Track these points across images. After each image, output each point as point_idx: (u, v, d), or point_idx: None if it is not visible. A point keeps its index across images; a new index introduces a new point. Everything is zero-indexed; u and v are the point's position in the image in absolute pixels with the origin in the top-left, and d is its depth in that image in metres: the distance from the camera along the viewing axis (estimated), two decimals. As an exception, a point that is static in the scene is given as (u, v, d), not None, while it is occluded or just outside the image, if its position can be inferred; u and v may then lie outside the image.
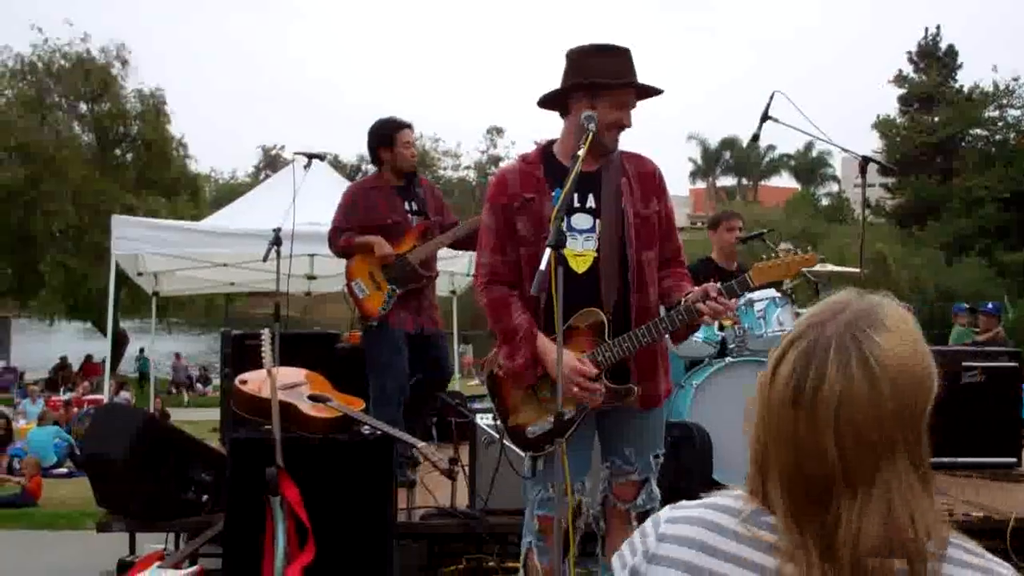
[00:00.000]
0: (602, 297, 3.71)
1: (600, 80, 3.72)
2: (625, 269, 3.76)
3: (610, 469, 3.84)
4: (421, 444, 5.09)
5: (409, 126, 6.54)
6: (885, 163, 7.07)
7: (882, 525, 1.34)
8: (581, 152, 3.57)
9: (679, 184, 66.50)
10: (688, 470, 5.80)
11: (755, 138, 6.87)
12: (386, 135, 6.42)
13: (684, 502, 1.64)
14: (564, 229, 3.62)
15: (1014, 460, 7.41)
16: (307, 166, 6.33)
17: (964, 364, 7.34)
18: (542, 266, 3.24)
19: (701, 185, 68.12)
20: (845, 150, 7.23)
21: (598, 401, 3.66)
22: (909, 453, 1.36)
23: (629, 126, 3.77)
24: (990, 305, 13.80)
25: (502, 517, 5.44)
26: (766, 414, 1.46)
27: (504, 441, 4.10)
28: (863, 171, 6.55)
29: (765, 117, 6.59)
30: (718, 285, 3.64)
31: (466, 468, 5.62)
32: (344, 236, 6.33)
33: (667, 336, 3.80)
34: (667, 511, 1.62)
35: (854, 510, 1.35)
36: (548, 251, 3.28)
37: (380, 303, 6.22)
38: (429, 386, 6.55)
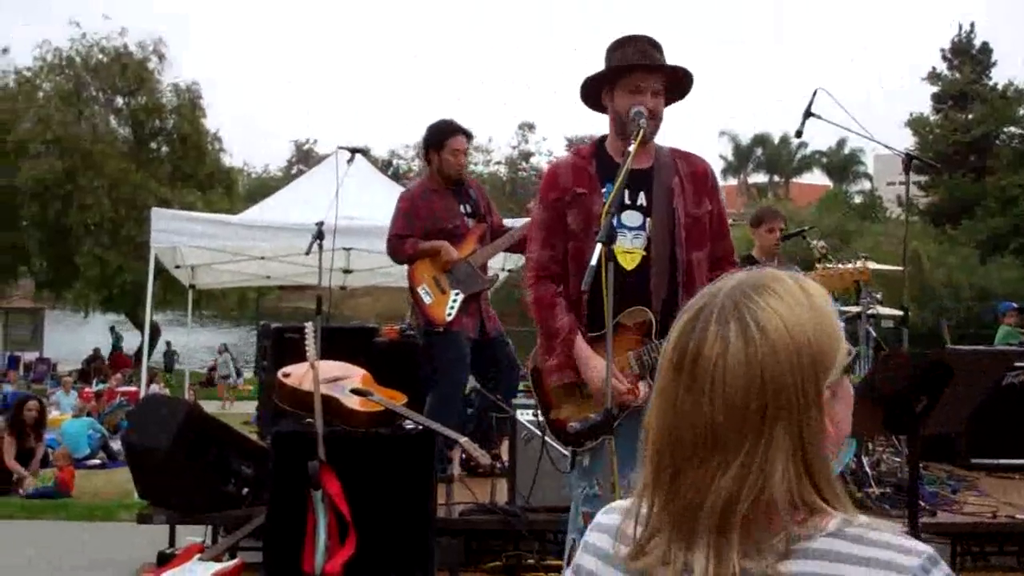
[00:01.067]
0: (651, 296, 3.69)
1: (612, 68, 3.76)
2: (674, 269, 3.74)
3: None
4: (463, 439, 5.08)
5: (464, 133, 6.46)
6: (927, 159, 6.99)
7: (736, 492, 1.28)
8: (632, 148, 3.55)
9: (711, 181, 66.23)
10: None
11: (798, 134, 6.82)
12: (438, 139, 6.37)
13: (612, 504, 1.60)
14: (615, 225, 3.60)
15: (1059, 461, 7.32)
16: (350, 160, 6.33)
17: (1013, 364, 7.26)
18: (593, 261, 3.22)
19: (732, 182, 67.79)
20: (887, 147, 7.20)
21: (641, 399, 3.64)
22: (789, 422, 1.29)
23: (651, 111, 3.70)
24: None
25: (542, 514, 5.42)
26: (657, 382, 1.43)
27: (546, 437, 4.09)
28: (907, 168, 6.49)
29: (808, 114, 6.55)
30: None
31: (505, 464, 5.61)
32: (409, 242, 6.22)
33: None
34: (597, 516, 1.59)
35: (712, 475, 1.30)
36: (599, 246, 3.26)
37: (446, 309, 6.18)
38: (504, 388, 6.44)
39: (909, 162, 6.49)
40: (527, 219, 6.32)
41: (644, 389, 3.65)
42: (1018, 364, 7.26)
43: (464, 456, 6.12)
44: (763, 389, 1.30)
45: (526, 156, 52.61)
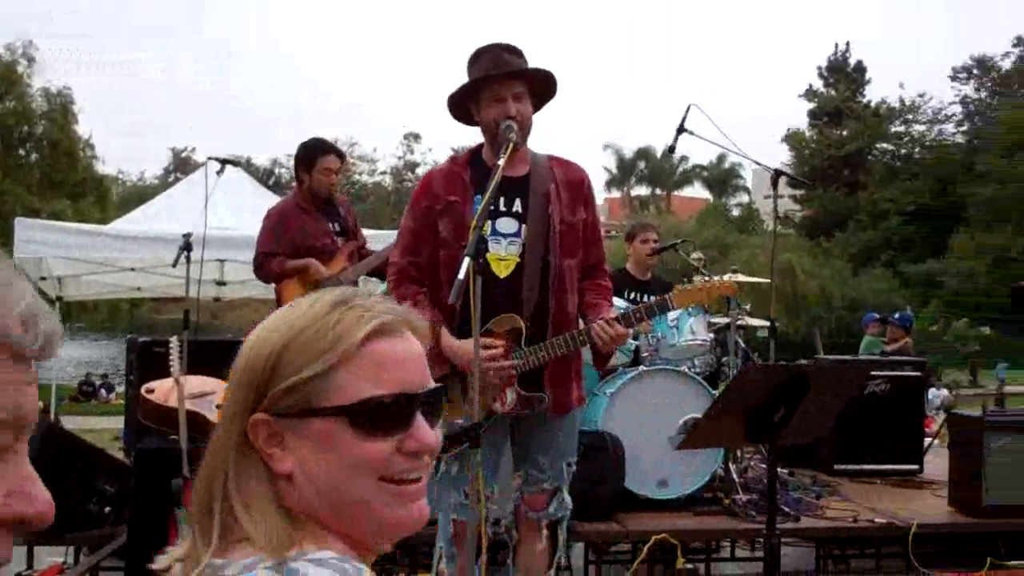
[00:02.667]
0: (522, 303, 3.70)
1: (469, 82, 3.77)
2: (547, 276, 3.75)
3: (523, 479, 3.83)
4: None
5: (336, 153, 6.33)
6: (796, 176, 7.17)
7: (202, 492, 1.27)
8: (501, 162, 3.55)
9: (595, 193, 66.85)
10: (601, 479, 5.82)
11: (671, 150, 6.96)
12: (309, 158, 6.21)
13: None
14: (486, 235, 3.61)
15: (916, 467, 7.56)
16: (220, 172, 6.20)
17: (871, 374, 7.50)
18: (460, 275, 3.22)
19: (616, 194, 68.64)
20: (757, 163, 7.35)
21: (507, 406, 3.65)
22: (228, 435, 1.27)
23: (515, 118, 3.69)
24: (899, 315, 14.07)
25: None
26: None
27: (438, 459, 4.06)
28: (775, 184, 6.65)
29: (681, 129, 6.66)
30: (613, 310, 3.63)
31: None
32: (276, 260, 6.05)
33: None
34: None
35: None
36: (466, 260, 3.26)
37: None
38: None
39: (777, 177, 6.64)
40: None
41: (511, 396, 3.66)
42: (874, 374, 7.50)
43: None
44: (230, 396, 1.29)
45: (412, 166, 52.48)
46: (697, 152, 69.52)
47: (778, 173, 6.57)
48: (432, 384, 1.35)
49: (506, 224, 3.77)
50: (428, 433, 1.31)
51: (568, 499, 3.88)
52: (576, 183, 3.92)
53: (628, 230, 7.67)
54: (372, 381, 1.26)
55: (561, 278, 3.78)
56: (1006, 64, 51.85)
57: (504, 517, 3.94)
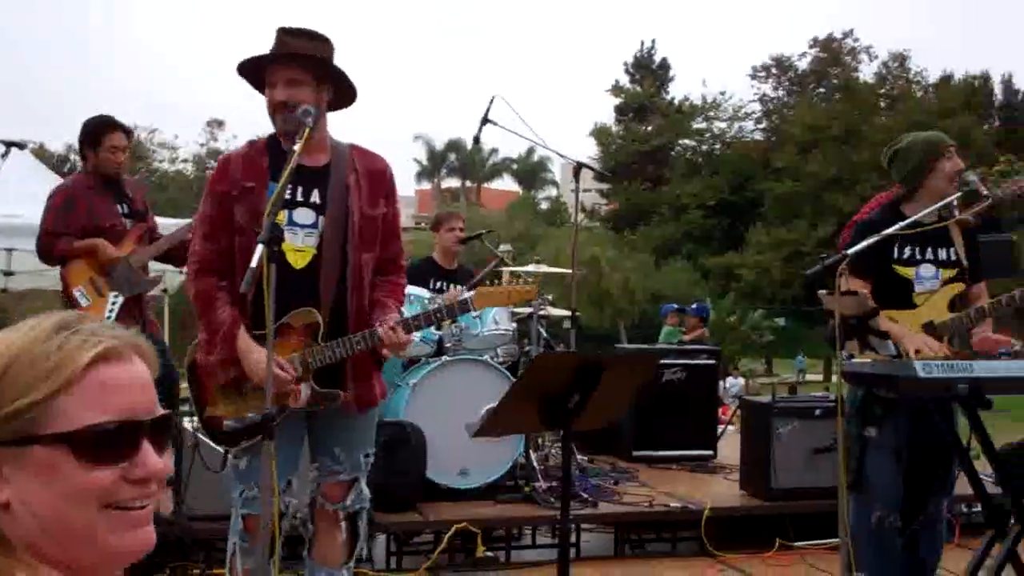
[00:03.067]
0: (320, 296, 3.63)
1: (240, 64, 3.69)
2: (344, 269, 3.68)
3: (319, 470, 3.78)
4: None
5: (122, 129, 6.03)
6: (597, 169, 7.32)
7: None
8: (296, 147, 3.47)
9: (405, 185, 66.62)
10: (402, 469, 5.81)
11: (476, 140, 7.02)
12: (94, 135, 5.90)
13: None
14: (283, 224, 3.53)
15: (711, 453, 7.84)
16: (4, 155, 5.88)
17: (666, 362, 7.73)
18: (253, 263, 3.14)
19: (426, 186, 68.65)
20: (560, 155, 7.47)
21: (301, 401, 3.59)
22: None
23: (283, 101, 3.60)
24: (695, 306, 14.54)
25: (208, 523, 5.27)
26: None
27: (201, 437, 3.97)
28: (576, 176, 6.79)
29: (485, 120, 6.71)
30: (396, 316, 3.60)
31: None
32: (63, 240, 5.71)
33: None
34: None
35: None
36: (260, 248, 3.18)
37: (104, 312, 5.79)
38: (163, 395, 6.15)
39: (579, 170, 6.79)
40: (189, 220, 6.09)
41: (306, 392, 3.60)
42: (670, 362, 7.74)
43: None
44: None
45: (215, 154, 51.11)
46: (507, 145, 70.11)
47: (579, 165, 6.71)
48: (160, 411, 1.30)
49: (303, 215, 3.68)
50: (155, 460, 1.27)
51: (366, 490, 3.84)
52: (378, 174, 3.83)
53: (434, 218, 7.67)
54: (96, 407, 1.21)
55: (359, 273, 3.71)
56: (803, 64, 54.18)
57: (301, 510, 3.86)
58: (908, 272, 4.51)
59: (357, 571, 5.26)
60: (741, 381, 24.25)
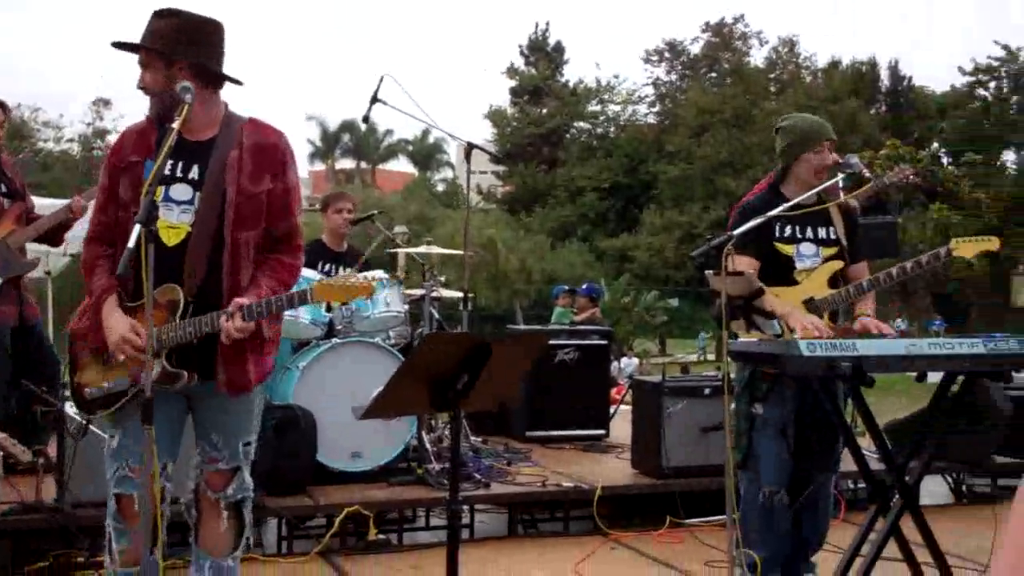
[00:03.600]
0: (184, 274, 3.52)
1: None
2: (219, 248, 3.57)
3: (201, 455, 3.68)
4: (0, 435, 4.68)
5: None
6: (488, 150, 7.30)
7: None
8: (176, 124, 3.38)
9: (298, 166, 65.90)
10: (292, 453, 5.74)
11: (365, 120, 6.93)
12: None
13: None
14: (159, 200, 3.43)
15: (603, 432, 7.89)
16: None
17: (558, 343, 7.76)
18: (130, 243, 3.06)
19: (320, 167, 67.98)
20: (451, 135, 7.42)
21: (152, 378, 3.46)
22: None
23: (145, 87, 3.55)
24: (585, 287, 14.64)
25: (93, 510, 5.12)
26: None
27: (88, 421, 3.86)
28: (468, 157, 6.75)
29: (374, 99, 6.64)
30: (242, 302, 3.48)
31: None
32: None
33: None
34: None
35: None
36: (137, 227, 3.10)
37: None
38: (47, 379, 5.93)
39: (470, 150, 6.75)
40: (68, 201, 5.92)
41: (157, 369, 3.49)
42: (563, 343, 7.78)
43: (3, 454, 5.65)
44: None
45: (101, 134, 49.76)
46: (402, 127, 69.75)
47: (471, 146, 6.67)
48: None
49: (180, 191, 3.56)
50: None
51: (248, 480, 3.74)
52: (267, 149, 3.68)
53: (323, 199, 7.55)
54: None
55: (236, 252, 3.57)
56: (695, 48, 54.90)
57: (184, 495, 3.76)
58: (789, 250, 4.64)
59: (247, 557, 5.18)
60: (635, 362, 24.54)
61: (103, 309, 3.52)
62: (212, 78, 3.63)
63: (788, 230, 4.65)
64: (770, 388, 4.50)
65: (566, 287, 15.39)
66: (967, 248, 4.45)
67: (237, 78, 3.70)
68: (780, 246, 4.63)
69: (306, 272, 6.34)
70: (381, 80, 6.59)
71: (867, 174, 5.11)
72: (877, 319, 4.57)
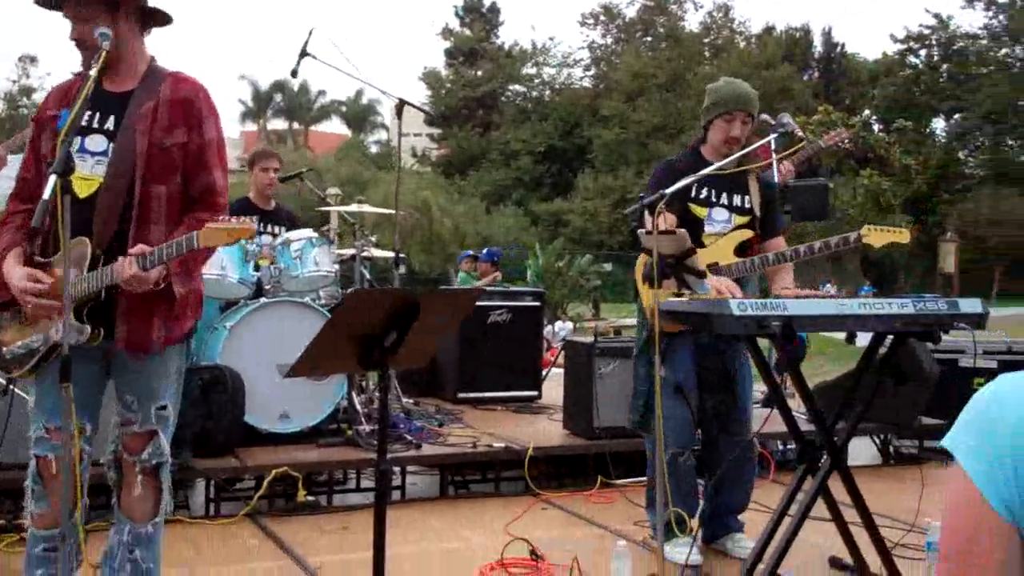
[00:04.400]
0: (93, 227, 3.41)
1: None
2: (129, 202, 3.45)
3: (119, 416, 3.58)
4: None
5: None
6: (419, 107, 7.18)
7: None
8: (92, 72, 3.28)
9: (230, 126, 65.05)
10: (219, 414, 5.64)
11: (293, 73, 6.85)
12: None
13: None
14: (74, 151, 3.32)
15: (535, 394, 7.88)
16: None
17: (491, 304, 7.72)
18: (45, 194, 2.96)
19: (252, 127, 67.03)
20: (382, 91, 7.34)
21: (59, 336, 3.36)
22: None
23: (76, 40, 3.45)
24: (486, 252, 14.65)
25: (17, 472, 4.99)
26: None
27: (10, 381, 3.75)
28: (399, 113, 6.66)
29: (303, 53, 6.53)
30: (143, 248, 3.37)
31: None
32: None
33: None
34: None
35: None
36: (52, 177, 3.00)
37: None
38: None
39: (401, 107, 6.66)
40: None
41: (63, 326, 3.39)
42: (492, 304, 7.74)
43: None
44: None
45: (27, 92, 48.65)
46: (335, 88, 69.05)
47: (402, 103, 6.58)
48: None
49: (95, 142, 3.46)
50: None
51: (165, 446, 3.62)
52: (184, 102, 3.57)
53: (249, 157, 7.39)
54: None
55: (146, 206, 3.46)
56: (631, 12, 54.90)
57: (104, 458, 3.66)
58: (701, 212, 4.67)
59: (174, 519, 5.10)
60: (570, 325, 24.55)
61: (4, 265, 3.41)
62: (150, 17, 3.56)
63: (704, 193, 4.68)
64: (668, 349, 4.51)
65: (470, 252, 15.48)
66: (877, 237, 4.47)
67: (168, 14, 3.62)
68: (694, 207, 4.66)
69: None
70: (311, 33, 6.49)
71: (799, 133, 5.13)
72: (805, 288, 4.60)
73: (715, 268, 4.55)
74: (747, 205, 4.73)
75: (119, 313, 3.43)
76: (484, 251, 14.84)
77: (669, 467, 4.48)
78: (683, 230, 4.30)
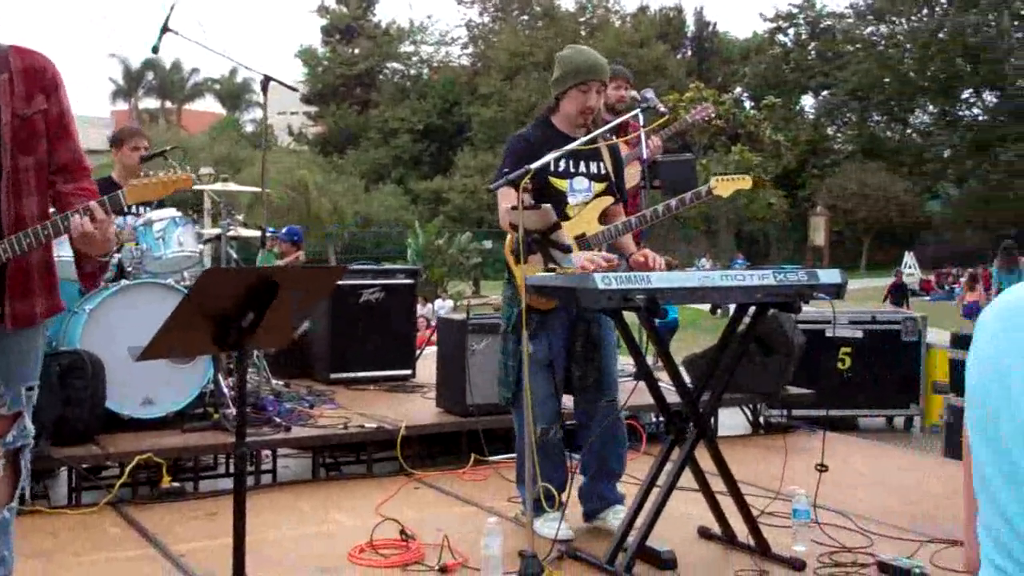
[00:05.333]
0: None
1: None
2: (1, 175, 3.33)
3: None
4: None
5: None
6: (287, 83, 7.03)
7: None
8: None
9: (100, 105, 63.30)
10: (79, 400, 5.46)
11: (155, 50, 6.64)
12: None
13: None
14: None
15: (409, 372, 7.82)
16: None
17: (363, 283, 7.63)
18: None
19: (123, 107, 65.35)
20: (247, 67, 7.17)
21: None
22: None
23: None
24: (285, 231, 14.48)
25: None
26: None
27: None
28: (264, 89, 6.53)
29: (165, 29, 6.35)
30: (93, 204, 3.29)
31: None
32: None
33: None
34: None
35: None
36: None
37: None
38: None
39: (266, 83, 6.53)
40: None
41: None
42: (364, 282, 7.65)
43: None
44: None
45: None
46: (209, 65, 67.70)
47: (267, 79, 6.45)
48: None
49: None
50: None
51: (30, 426, 3.51)
52: (37, 71, 3.46)
53: (115, 135, 7.14)
54: None
55: (16, 179, 3.37)
56: (507, -10, 54.95)
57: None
58: (563, 184, 4.66)
59: (32, 510, 4.93)
60: (450, 303, 24.51)
61: None
62: None
63: (562, 164, 4.66)
64: (538, 325, 4.51)
65: (282, 230, 15.27)
66: (725, 186, 4.55)
67: None
68: (554, 180, 4.64)
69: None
70: (172, 8, 6.30)
71: (662, 108, 5.17)
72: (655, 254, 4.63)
73: (582, 239, 4.55)
74: (603, 171, 4.74)
75: (6, 290, 3.31)
76: (284, 230, 14.59)
77: (540, 443, 4.48)
78: (547, 205, 4.28)
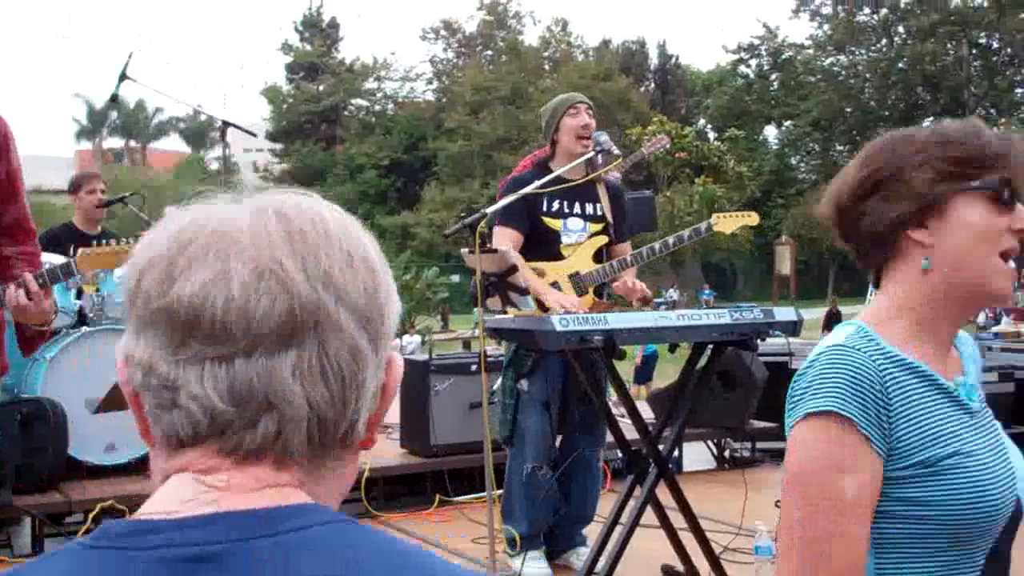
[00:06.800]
0: None
1: None
2: None
3: None
4: None
5: None
6: (243, 128, 7.06)
7: None
8: None
9: (63, 145, 62.99)
10: (41, 448, 5.43)
11: (113, 99, 6.64)
12: None
13: None
14: None
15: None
16: None
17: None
18: None
19: (87, 146, 65.06)
20: (205, 113, 7.19)
21: None
22: None
23: None
24: None
25: None
26: None
27: None
28: (223, 135, 6.54)
29: (123, 76, 6.35)
30: (38, 272, 3.29)
31: None
32: None
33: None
34: None
35: None
36: None
37: None
38: None
39: (225, 129, 6.54)
40: None
41: None
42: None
43: None
44: None
45: None
46: (173, 104, 67.63)
47: (225, 124, 6.47)
48: None
49: None
50: None
51: None
52: None
53: (72, 181, 7.12)
54: None
55: None
56: (471, 27, 55.26)
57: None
58: (556, 224, 4.70)
59: (-7, 560, 4.91)
60: (417, 339, 24.50)
61: None
62: None
63: (556, 205, 4.71)
64: (535, 364, 4.55)
65: None
66: (727, 223, 4.62)
67: None
68: (547, 220, 4.69)
69: (54, 257, 6.00)
70: (130, 56, 6.30)
71: (615, 151, 5.25)
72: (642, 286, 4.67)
73: (576, 277, 4.61)
74: (599, 212, 4.79)
75: None
76: None
77: (527, 481, 4.52)
78: (505, 247, 4.33)
